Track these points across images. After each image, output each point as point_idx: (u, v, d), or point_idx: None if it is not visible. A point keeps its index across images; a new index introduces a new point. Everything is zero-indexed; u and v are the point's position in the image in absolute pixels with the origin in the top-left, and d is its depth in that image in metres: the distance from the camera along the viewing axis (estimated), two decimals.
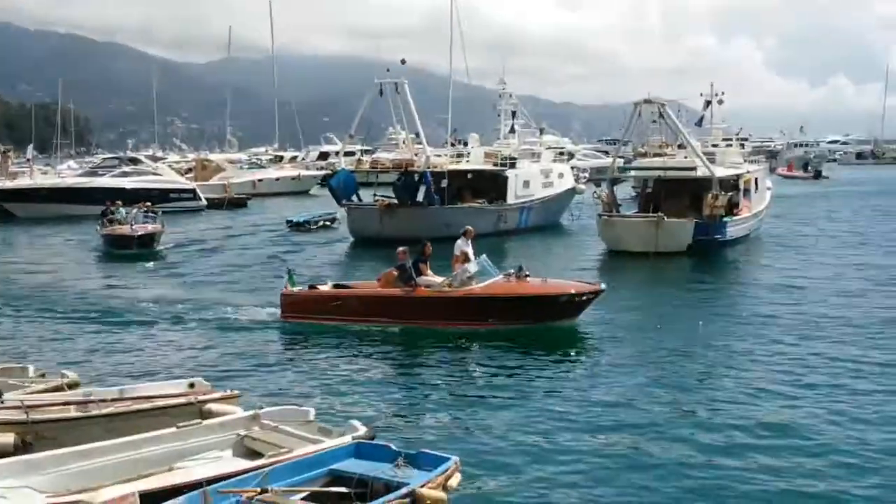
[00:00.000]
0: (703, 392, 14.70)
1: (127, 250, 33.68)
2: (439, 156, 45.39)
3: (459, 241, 20.76)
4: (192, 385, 12.60)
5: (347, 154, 51.81)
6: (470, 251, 20.60)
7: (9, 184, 56.02)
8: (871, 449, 11.82)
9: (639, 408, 13.77)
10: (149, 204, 38.62)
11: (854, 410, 13.44)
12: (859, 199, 62.27)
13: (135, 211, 36.55)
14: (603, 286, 19.80)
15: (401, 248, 20.04)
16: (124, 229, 34.88)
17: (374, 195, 41.30)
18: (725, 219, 32.87)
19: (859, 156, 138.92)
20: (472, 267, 19.60)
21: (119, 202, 37.69)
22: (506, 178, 41.72)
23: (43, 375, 13.33)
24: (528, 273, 19.71)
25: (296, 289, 20.54)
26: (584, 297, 19.39)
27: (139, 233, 34.54)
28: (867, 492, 10.49)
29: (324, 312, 19.79)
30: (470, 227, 21.72)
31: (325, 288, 20.72)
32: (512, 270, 19.83)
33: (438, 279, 19.76)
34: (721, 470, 11.17)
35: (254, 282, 27.42)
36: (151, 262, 31.60)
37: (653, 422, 13.03)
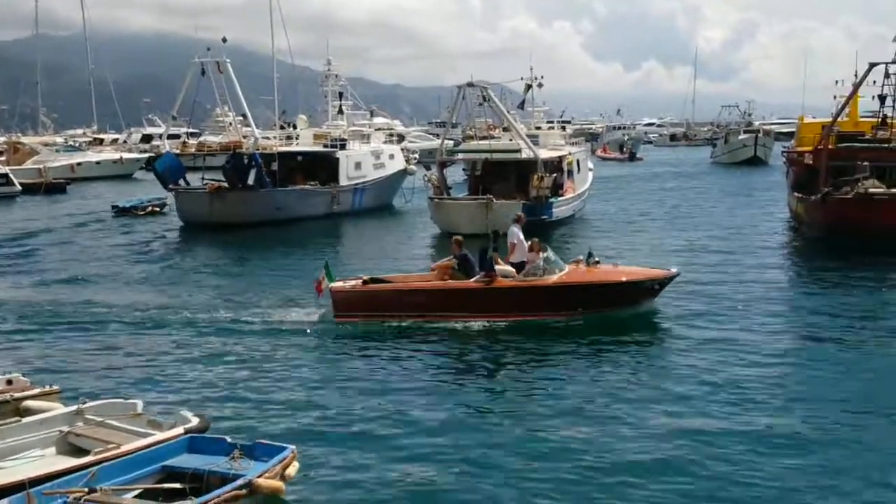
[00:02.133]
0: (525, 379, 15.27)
1: None
2: (268, 138, 44.70)
3: (515, 229, 19.56)
4: (10, 382, 11.98)
5: (172, 137, 50.11)
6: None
7: None
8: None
9: (460, 385, 14.24)
10: None
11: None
12: (671, 179, 65.98)
13: None
14: (675, 270, 19.33)
15: (455, 238, 18.96)
16: None
17: (203, 178, 40.22)
18: (551, 199, 33.94)
19: (673, 137, 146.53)
20: (552, 255, 18.57)
21: None
22: (337, 160, 41.61)
23: None
24: (598, 259, 19.08)
25: (347, 284, 18.63)
26: (663, 283, 18.96)
27: None
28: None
29: (386, 309, 18.01)
30: (522, 214, 20.88)
31: (353, 283, 18.84)
32: (581, 257, 19.12)
33: (511, 269, 18.51)
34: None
35: (77, 272, 26.21)
36: None
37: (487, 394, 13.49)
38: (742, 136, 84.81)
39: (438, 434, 11.93)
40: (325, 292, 18.48)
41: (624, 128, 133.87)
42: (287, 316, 18.84)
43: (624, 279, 18.68)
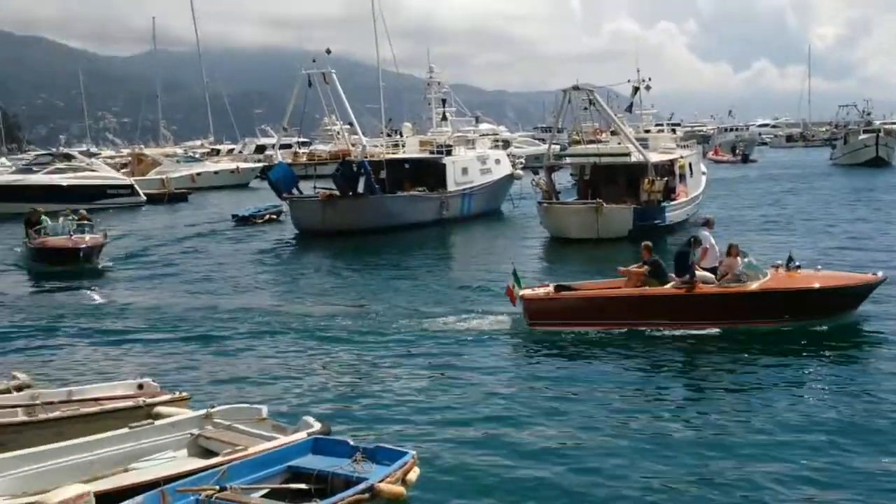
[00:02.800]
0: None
1: (64, 266, 28.40)
2: (376, 146, 45.39)
3: (706, 233, 19.13)
4: (140, 386, 12.53)
5: (283, 146, 51.34)
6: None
7: None
8: None
9: (584, 393, 14.05)
10: (83, 212, 32.77)
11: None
12: (788, 181, 63.79)
13: (68, 218, 30.98)
14: (881, 275, 18.20)
15: (645, 244, 18.44)
16: (61, 241, 29.33)
17: (314, 187, 41.14)
18: (663, 204, 33.36)
19: (789, 138, 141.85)
20: (753, 260, 17.99)
21: (41, 209, 32.45)
22: (444, 166, 41.85)
23: None
24: (798, 264, 18.31)
25: (539, 291, 18.27)
26: (870, 289, 18.02)
27: (83, 246, 29.04)
28: None
29: (581, 317, 17.63)
30: (711, 218, 20.56)
31: (544, 290, 18.35)
32: (780, 262, 18.37)
33: (710, 275, 17.84)
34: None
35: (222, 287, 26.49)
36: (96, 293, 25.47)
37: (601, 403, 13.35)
38: (863, 136, 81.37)
39: (588, 454, 11.40)
40: (518, 299, 18.13)
41: (736, 129, 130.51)
42: (468, 323, 18.59)
43: (832, 285, 17.68)
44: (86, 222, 30.99)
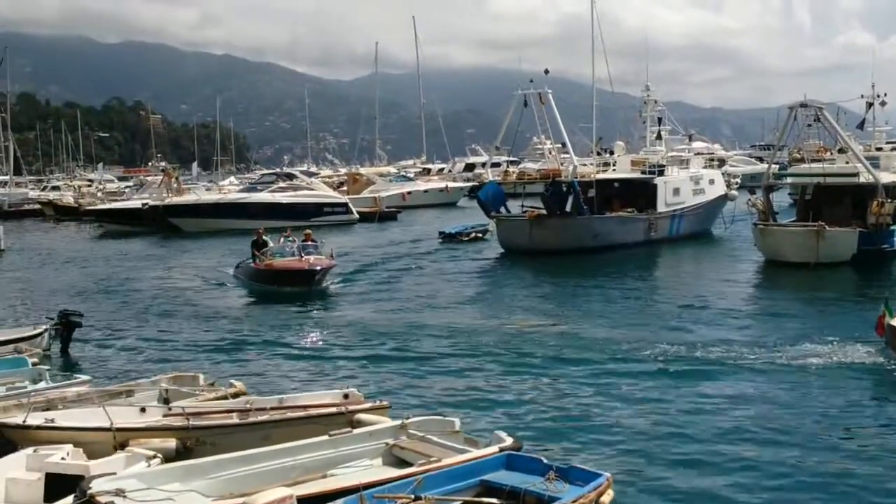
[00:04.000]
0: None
1: (295, 288, 27.22)
2: (586, 165, 45.02)
3: None
4: (346, 396, 12.93)
5: (494, 165, 51.89)
6: None
7: (175, 199, 59.06)
8: None
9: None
10: (309, 231, 31.56)
11: None
12: None
13: (288, 238, 29.69)
14: None
15: None
16: (293, 262, 27.67)
17: (522, 206, 41.28)
18: (893, 227, 31.05)
19: None
20: None
21: (261, 228, 31.43)
22: (655, 186, 40.86)
23: (212, 384, 13.99)
24: None
25: None
26: None
27: (318, 268, 27.52)
28: None
29: None
30: None
31: None
32: None
33: None
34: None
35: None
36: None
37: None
38: None
39: None
40: (888, 329, 16.95)
41: None
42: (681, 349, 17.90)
43: None
44: (310, 242, 29.10)
